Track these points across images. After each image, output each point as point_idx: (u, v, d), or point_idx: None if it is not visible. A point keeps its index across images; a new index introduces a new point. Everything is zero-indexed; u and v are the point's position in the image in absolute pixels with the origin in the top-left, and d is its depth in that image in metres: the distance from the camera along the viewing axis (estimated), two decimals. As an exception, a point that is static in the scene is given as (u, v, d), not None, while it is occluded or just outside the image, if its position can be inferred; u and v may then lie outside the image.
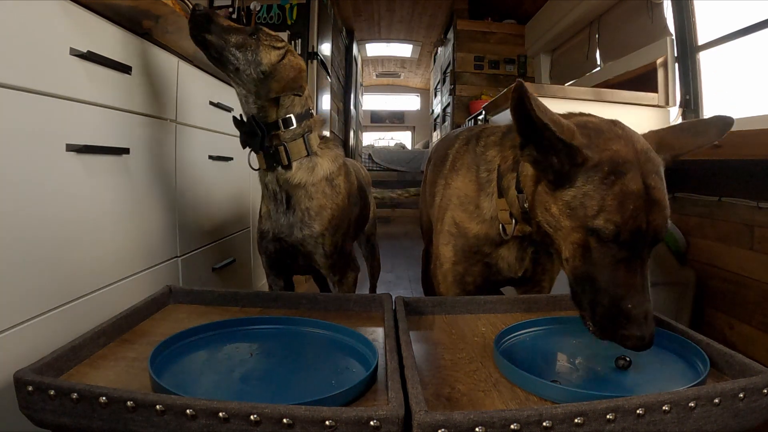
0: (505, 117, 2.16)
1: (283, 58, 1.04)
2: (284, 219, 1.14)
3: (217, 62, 1.02)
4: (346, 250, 1.24)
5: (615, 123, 0.72)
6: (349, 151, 5.38)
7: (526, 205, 0.81)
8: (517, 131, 0.69)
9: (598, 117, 0.75)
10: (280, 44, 1.05)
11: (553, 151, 0.68)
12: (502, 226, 0.92)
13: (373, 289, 2.02)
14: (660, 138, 0.74)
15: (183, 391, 0.54)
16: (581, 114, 0.78)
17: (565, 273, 0.73)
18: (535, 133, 0.67)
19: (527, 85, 1.90)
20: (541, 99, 1.95)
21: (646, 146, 0.68)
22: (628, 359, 0.67)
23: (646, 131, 0.76)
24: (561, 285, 1.09)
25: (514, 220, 0.88)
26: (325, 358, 0.73)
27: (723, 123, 0.76)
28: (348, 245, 1.26)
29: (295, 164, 1.09)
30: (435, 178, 1.21)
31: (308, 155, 1.11)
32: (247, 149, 1.11)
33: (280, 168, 1.09)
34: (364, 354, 0.71)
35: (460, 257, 1.01)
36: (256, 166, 1.12)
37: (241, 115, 1.09)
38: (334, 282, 1.25)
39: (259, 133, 1.05)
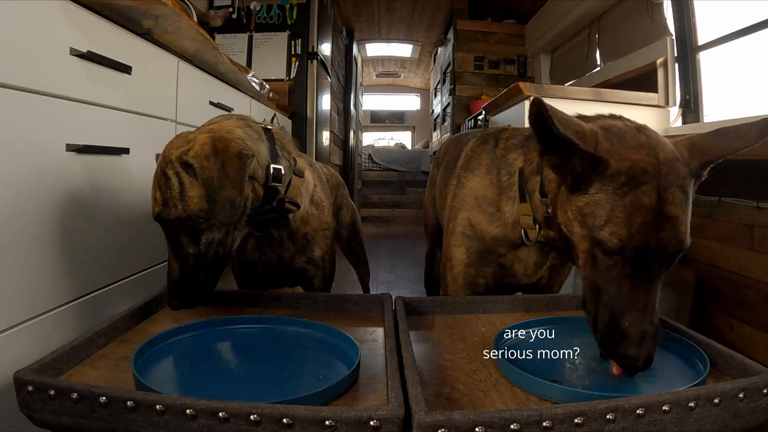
0: (505, 117, 2.16)
1: None
2: (280, 251, 1.04)
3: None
4: (334, 267, 1.19)
5: (640, 129, 0.68)
6: (348, 152, 5.38)
7: (549, 210, 0.79)
8: (537, 140, 0.67)
9: (625, 121, 0.72)
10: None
11: (575, 157, 0.66)
12: (525, 231, 0.89)
13: (365, 289, 1.99)
14: (692, 144, 0.69)
15: (166, 390, 0.55)
16: (611, 116, 0.75)
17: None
18: (557, 144, 0.65)
19: (529, 85, 1.88)
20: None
21: (671, 156, 0.65)
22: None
23: (683, 137, 0.72)
24: (563, 286, 1.09)
25: (537, 226, 0.86)
26: (307, 357, 0.73)
27: (765, 124, 0.68)
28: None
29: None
30: (447, 179, 1.18)
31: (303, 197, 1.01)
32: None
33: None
34: (347, 352, 0.71)
35: (474, 259, 0.98)
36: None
37: None
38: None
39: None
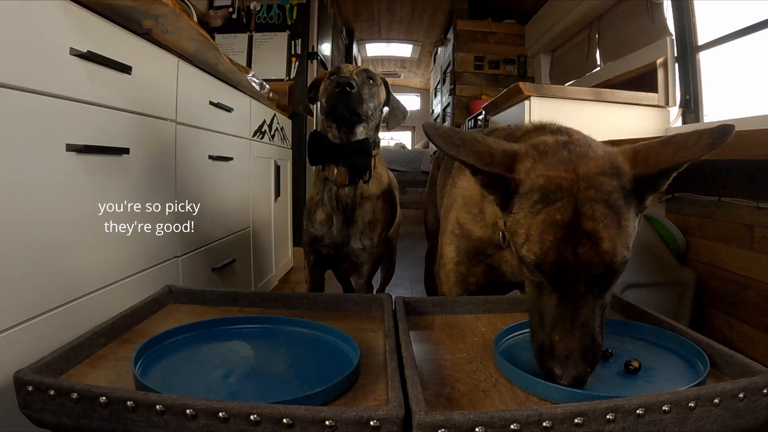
0: (505, 117, 2.16)
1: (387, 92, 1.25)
2: (345, 230, 1.24)
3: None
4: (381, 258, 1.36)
5: (567, 144, 0.66)
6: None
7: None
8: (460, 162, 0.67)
9: (558, 136, 0.70)
10: (378, 80, 1.25)
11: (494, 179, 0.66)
12: (502, 234, 0.90)
13: (382, 291, 2.01)
14: (635, 153, 0.65)
15: (166, 390, 0.54)
16: (552, 130, 0.75)
17: None
18: None
19: (529, 85, 1.88)
20: (540, 99, 1.96)
21: (594, 170, 0.62)
22: (635, 365, 0.67)
23: (639, 142, 0.68)
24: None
25: None
26: (307, 357, 0.72)
27: (719, 133, 0.61)
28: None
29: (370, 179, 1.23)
30: (445, 179, 1.21)
31: (374, 168, 1.24)
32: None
33: (360, 182, 1.20)
34: (347, 352, 0.71)
35: (463, 258, 1.00)
36: (336, 179, 1.20)
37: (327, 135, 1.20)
38: (359, 289, 1.34)
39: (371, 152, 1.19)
